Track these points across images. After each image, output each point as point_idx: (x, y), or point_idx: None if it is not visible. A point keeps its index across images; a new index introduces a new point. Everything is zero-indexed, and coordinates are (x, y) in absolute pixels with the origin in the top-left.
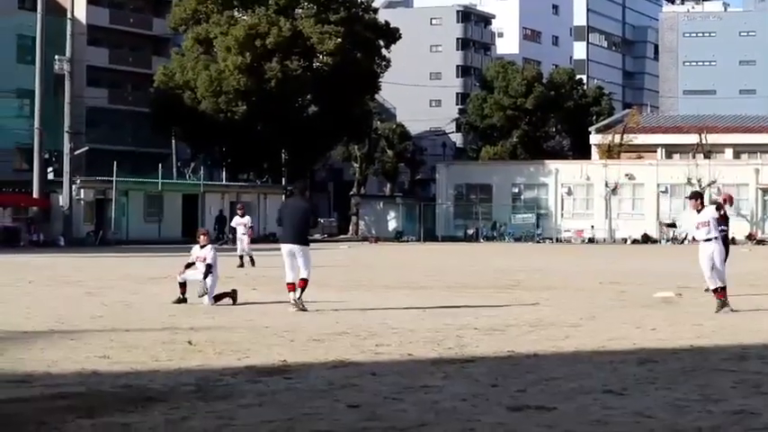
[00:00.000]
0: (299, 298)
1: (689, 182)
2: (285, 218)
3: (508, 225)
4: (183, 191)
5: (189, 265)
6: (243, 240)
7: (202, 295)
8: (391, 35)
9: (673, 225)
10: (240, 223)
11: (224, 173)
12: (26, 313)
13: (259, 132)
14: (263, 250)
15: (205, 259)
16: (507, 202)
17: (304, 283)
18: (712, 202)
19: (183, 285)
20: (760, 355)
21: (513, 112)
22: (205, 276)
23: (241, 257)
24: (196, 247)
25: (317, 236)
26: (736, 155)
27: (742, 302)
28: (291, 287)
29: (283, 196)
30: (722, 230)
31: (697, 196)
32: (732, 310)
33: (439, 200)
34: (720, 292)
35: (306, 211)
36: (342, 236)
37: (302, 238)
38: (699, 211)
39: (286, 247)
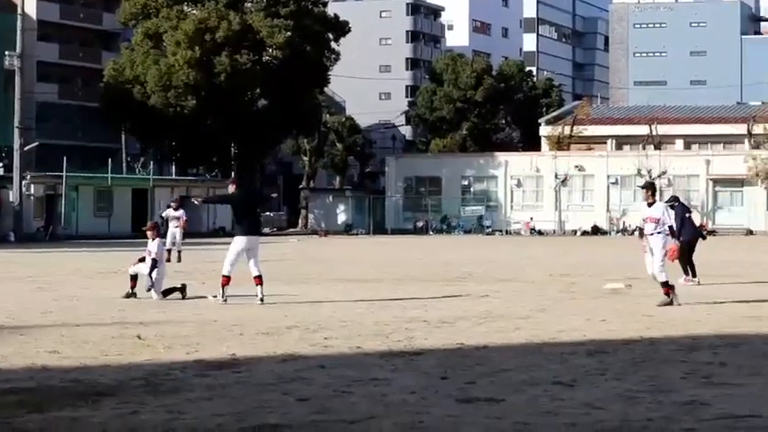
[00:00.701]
0: (263, 296)
1: (639, 173)
2: (245, 209)
3: (458, 218)
4: (133, 185)
5: (142, 259)
6: (175, 234)
7: (149, 289)
8: (341, 28)
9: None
10: (173, 216)
11: (173, 167)
12: None
13: (208, 126)
14: (212, 244)
15: (151, 253)
16: (457, 195)
17: (261, 279)
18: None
19: (134, 279)
20: (710, 346)
21: (462, 105)
22: (150, 271)
23: (169, 251)
24: (149, 242)
25: (266, 229)
26: (687, 146)
27: (696, 292)
28: (228, 281)
29: (230, 187)
30: (688, 217)
31: (649, 187)
32: (678, 304)
33: (388, 193)
34: (667, 287)
35: (263, 199)
36: (291, 229)
37: (260, 230)
38: (650, 205)
39: (247, 241)
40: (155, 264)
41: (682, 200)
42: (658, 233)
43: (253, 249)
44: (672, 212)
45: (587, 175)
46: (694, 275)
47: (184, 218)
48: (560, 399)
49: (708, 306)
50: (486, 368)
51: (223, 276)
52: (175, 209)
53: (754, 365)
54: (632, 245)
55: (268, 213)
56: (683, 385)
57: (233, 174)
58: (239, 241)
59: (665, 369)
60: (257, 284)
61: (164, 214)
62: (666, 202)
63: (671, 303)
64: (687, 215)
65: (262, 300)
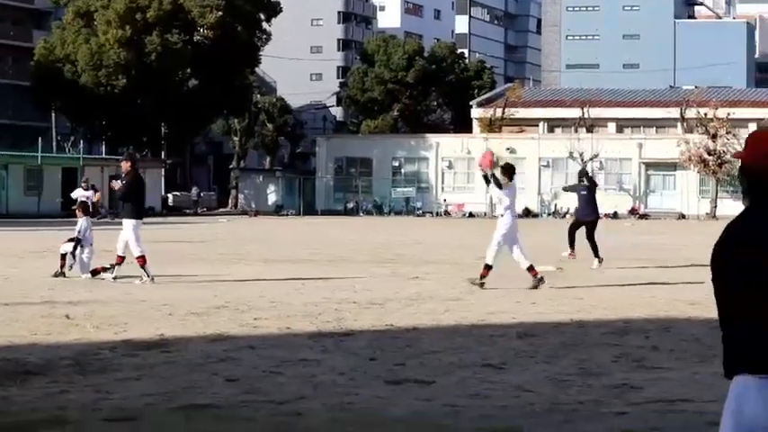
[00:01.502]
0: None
1: (571, 156)
2: (142, 192)
3: (388, 199)
4: (63, 165)
5: (73, 239)
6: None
7: (71, 268)
8: (272, 8)
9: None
10: (83, 196)
11: (104, 146)
12: None
13: (139, 106)
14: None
15: (79, 232)
16: (387, 176)
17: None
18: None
19: (63, 258)
20: (642, 329)
21: (394, 86)
22: (73, 249)
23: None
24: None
25: (198, 209)
26: (620, 129)
27: (627, 276)
28: (144, 260)
29: (124, 164)
30: (583, 195)
31: (507, 170)
32: (541, 283)
33: (319, 173)
34: (533, 270)
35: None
36: (221, 209)
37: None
38: (501, 187)
39: (140, 223)
40: (78, 242)
41: (593, 178)
42: (501, 215)
43: (138, 232)
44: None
45: (519, 158)
46: (597, 256)
47: (94, 198)
48: (490, 381)
49: (638, 289)
50: (415, 350)
51: (138, 258)
52: (86, 188)
53: (685, 349)
54: (564, 226)
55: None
56: (613, 369)
57: (163, 153)
58: (137, 223)
59: (596, 352)
60: (119, 263)
61: (74, 195)
62: (578, 175)
63: (540, 284)
64: (582, 192)
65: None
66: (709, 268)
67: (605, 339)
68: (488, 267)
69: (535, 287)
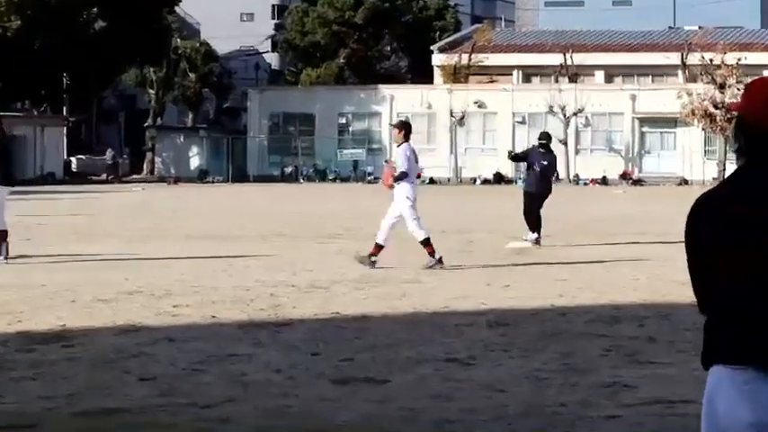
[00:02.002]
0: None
1: (551, 110)
2: (8, 155)
3: (333, 162)
4: None
5: None
6: None
7: None
8: None
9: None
10: None
11: None
12: None
13: (36, 52)
14: (40, 193)
15: None
16: (333, 136)
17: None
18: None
19: None
20: (636, 317)
21: (340, 28)
22: None
23: None
24: None
25: (104, 176)
26: (609, 78)
27: (618, 253)
28: (5, 235)
29: None
30: (542, 165)
31: (401, 127)
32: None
33: (251, 132)
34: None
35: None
36: (135, 175)
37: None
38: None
39: (6, 191)
40: None
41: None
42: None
43: (3, 201)
44: (408, 156)
45: (489, 113)
46: (534, 230)
47: None
48: (455, 379)
49: (632, 269)
50: (365, 342)
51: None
52: None
53: (687, 340)
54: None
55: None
56: (602, 364)
57: (65, 109)
58: (2, 190)
59: (582, 344)
60: (3, 240)
61: None
62: (539, 138)
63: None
64: (543, 162)
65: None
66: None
67: (592, 329)
68: (429, 242)
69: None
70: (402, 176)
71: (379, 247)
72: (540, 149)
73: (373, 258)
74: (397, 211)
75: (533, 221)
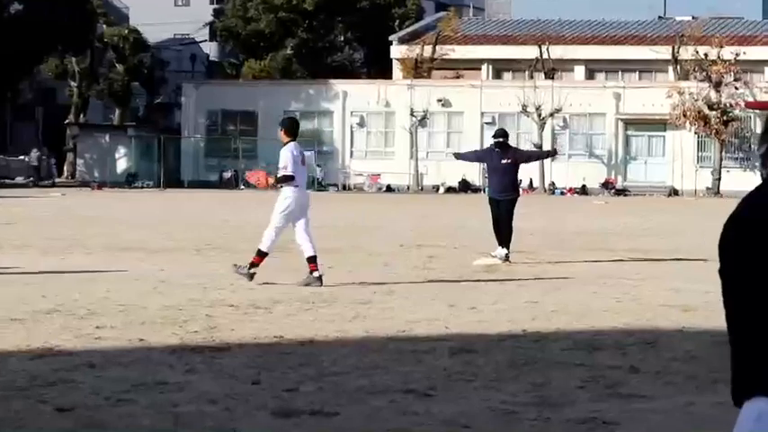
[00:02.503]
0: None
1: (524, 110)
2: None
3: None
4: None
5: None
6: None
7: None
8: None
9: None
10: None
11: None
12: None
13: None
14: None
15: None
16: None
17: None
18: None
19: None
20: (618, 344)
21: (287, 15)
22: None
23: None
24: None
25: (20, 179)
26: (590, 75)
27: (598, 272)
28: None
29: None
30: (503, 166)
31: (286, 126)
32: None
33: (185, 132)
34: (313, 263)
35: None
36: (55, 179)
37: None
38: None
39: None
40: None
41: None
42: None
43: None
44: (295, 155)
45: (454, 113)
46: (503, 245)
47: None
48: (413, 413)
49: (614, 290)
50: (312, 370)
51: None
52: None
53: (676, 371)
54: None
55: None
56: (579, 397)
57: None
58: None
59: (556, 375)
60: None
61: None
62: (493, 137)
63: (315, 284)
64: (505, 162)
65: None
66: (712, 260)
67: (569, 357)
68: (314, 259)
69: (307, 284)
70: (287, 179)
71: (312, 260)
72: (497, 149)
73: (316, 274)
74: (295, 219)
75: (504, 234)
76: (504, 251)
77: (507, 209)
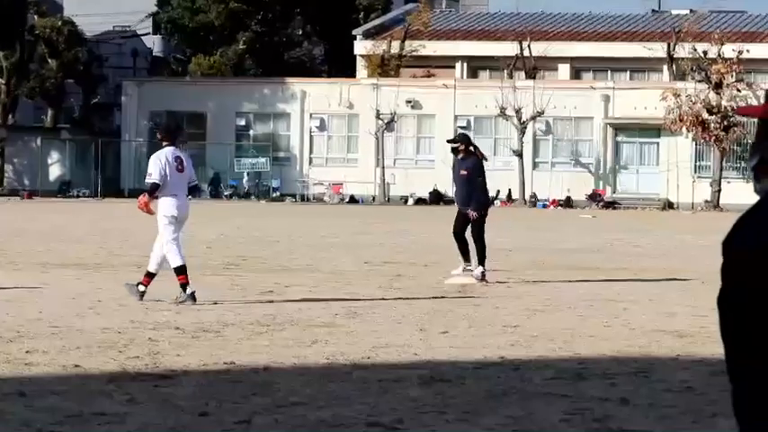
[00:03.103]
0: None
1: (503, 113)
2: None
3: (229, 174)
4: None
5: None
6: None
7: None
8: None
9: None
10: None
11: None
12: None
13: None
14: None
15: None
16: (229, 140)
17: None
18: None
19: None
20: (606, 373)
21: (239, 6)
22: None
23: None
24: None
25: None
26: (576, 74)
27: (585, 294)
28: None
29: None
30: (467, 173)
31: (163, 131)
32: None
33: (126, 136)
34: (182, 274)
35: None
36: None
37: None
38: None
39: None
40: None
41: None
42: (187, 196)
43: None
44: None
45: (425, 115)
46: (467, 260)
47: None
48: None
49: (602, 313)
50: (267, 400)
51: None
52: None
53: (670, 403)
54: (491, 219)
55: None
56: (563, 431)
57: None
58: None
59: (538, 406)
60: None
61: None
62: (449, 141)
63: (189, 299)
64: (465, 170)
65: None
66: (710, 281)
67: (551, 387)
68: (183, 270)
69: (182, 302)
70: (153, 189)
71: (150, 276)
72: (459, 156)
73: (189, 290)
74: (162, 228)
75: (477, 250)
76: (481, 269)
77: (478, 223)
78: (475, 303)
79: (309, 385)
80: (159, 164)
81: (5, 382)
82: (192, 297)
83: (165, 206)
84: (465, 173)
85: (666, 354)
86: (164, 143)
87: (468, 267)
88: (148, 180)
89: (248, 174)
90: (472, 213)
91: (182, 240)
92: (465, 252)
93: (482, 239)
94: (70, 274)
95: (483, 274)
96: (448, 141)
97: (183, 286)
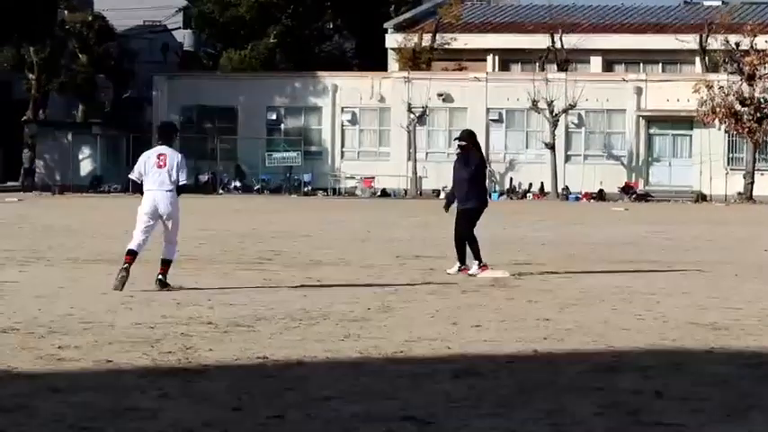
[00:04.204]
0: None
1: (535, 106)
2: None
3: (261, 168)
4: None
5: None
6: None
7: None
8: None
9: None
10: None
11: None
12: None
13: None
14: None
15: None
16: (260, 135)
17: None
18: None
19: None
20: (639, 366)
21: (269, 0)
22: None
23: None
24: None
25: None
26: (608, 66)
27: (617, 287)
28: None
29: None
30: (468, 171)
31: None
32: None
33: None
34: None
35: None
36: (11, 183)
37: None
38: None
39: None
40: None
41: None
42: (168, 191)
43: None
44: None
45: (457, 109)
46: (462, 261)
47: None
48: None
49: (634, 306)
50: (300, 395)
51: None
52: None
53: (704, 397)
54: (523, 212)
55: None
56: (597, 424)
57: None
58: None
59: (571, 400)
60: None
61: None
62: (457, 138)
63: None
64: (472, 167)
65: None
66: (744, 274)
67: (585, 381)
68: (130, 252)
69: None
70: (133, 184)
71: (164, 264)
72: (462, 153)
73: (160, 276)
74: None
75: (473, 247)
76: (457, 265)
77: (469, 217)
78: (507, 297)
79: (342, 380)
80: (140, 161)
81: (38, 377)
82: (117, 281)
83: (142, 200)
84: (471, 168)
85: (700, 346)
86: (158, 141)
87: (463, 268)
88: (129, 175)
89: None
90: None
91: (174, 237)
92: (463, 252)
93: (473, 236)
94: (102, 270)
95: (482, 267)
96: (455, 139)
97: (125, 267)
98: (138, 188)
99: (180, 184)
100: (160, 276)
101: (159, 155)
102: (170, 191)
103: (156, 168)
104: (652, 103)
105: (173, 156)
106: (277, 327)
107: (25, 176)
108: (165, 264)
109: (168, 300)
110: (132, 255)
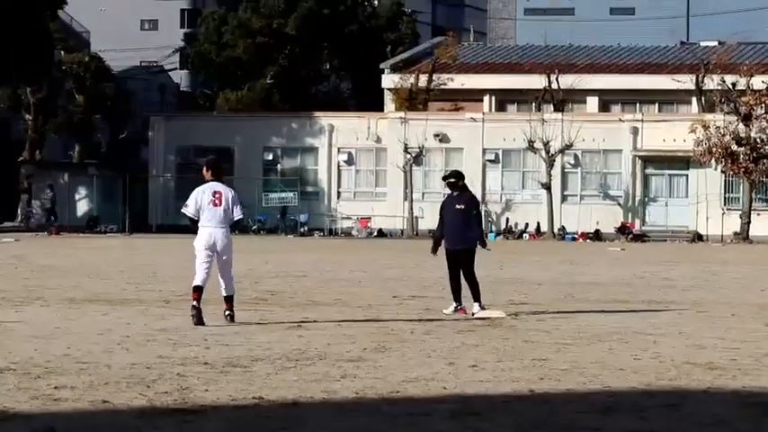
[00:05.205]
0: None
1: (531, 146)
2: None
3: (257, 208)
4: None
5: None
6: None
7: None
8: None
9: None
10: None
11: None
12: None
13: None
14: None
15: None
16: (257, 175)
17: None
18: None
19: None
20: (636, 406)
21: (266, 40)
22: None
23: None
24: None
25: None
26: (604, 106)
27: (613, 327)
28: None
29: None
30: (459, 210)
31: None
32: None
33: (153, 171)
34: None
35: None
36: (6, 223)
37: None
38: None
39: None
40: None
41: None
42: (224, 228)
43: None
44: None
45: (453, 149)
46: (457, 299)
47: None
48: None
49: (631, 346)
50: None
51: None
52: None
53: None
54: (519, 252)
55: None
56: None
57: None
58: None
59: None
60: None
61: None
62: (445, 177)
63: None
64: (458, 206)
65: None
66: (740, 314)
67: (581, 420)
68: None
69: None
70: (190, 221)
71: (227, 300)
72: (454, 192)
73: (228, 313)
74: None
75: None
76: (477, 306)
77: (465, 261)
78: (504, 337)
79: (338, 420)
80: (193, 197)
81: (34, 418)
82: (194, 318)
83: (198, 236)
84: (462, 207)
85: (697, 386)
86: (208, 177)
87: (460, 308)
88: (183, 210)
89: (275, 208)
90: (486, 248)
91: (229, 273)
92: (458, 292)
93: (474, 276)
94: (98, 310)
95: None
96: (443, 179)
97: (194, 305)
98: (193, 223)
99: (235, 219)
100: (227, 312)
101: (215, 192)
102: (225, 227)
103: (213, 207)
104: (648, 142)
105: (227, 192)
106: (273, 367)
107: (26, 219)
108: (229, 300)
109: (164, 339)
110: (199, 291)
